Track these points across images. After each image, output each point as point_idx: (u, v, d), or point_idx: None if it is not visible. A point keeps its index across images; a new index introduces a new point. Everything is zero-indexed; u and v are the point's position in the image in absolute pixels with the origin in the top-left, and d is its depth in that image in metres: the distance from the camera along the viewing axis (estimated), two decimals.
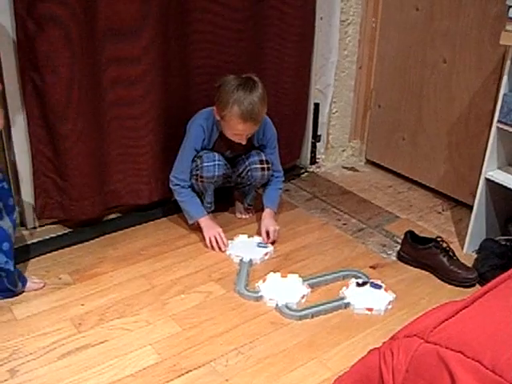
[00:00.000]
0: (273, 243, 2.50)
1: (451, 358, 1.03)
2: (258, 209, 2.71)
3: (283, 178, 2.69)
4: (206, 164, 2.45)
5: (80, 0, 2.12)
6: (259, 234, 2.54)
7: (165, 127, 2.54)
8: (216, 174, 2.46)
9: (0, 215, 1.99)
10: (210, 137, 2.49)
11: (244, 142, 2.42)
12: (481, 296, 1.17)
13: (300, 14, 2.74)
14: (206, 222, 2.49)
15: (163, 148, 2.57)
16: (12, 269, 2.04)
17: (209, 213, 2.56)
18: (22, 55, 2.15)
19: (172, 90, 2.51)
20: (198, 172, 2.46)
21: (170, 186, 2.52)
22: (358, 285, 2.21)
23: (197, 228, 2.54)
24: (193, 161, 2.49)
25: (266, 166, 2.55)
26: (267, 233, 2.51)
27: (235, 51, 2.62)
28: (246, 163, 2.55)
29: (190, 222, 2.52)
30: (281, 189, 2.69)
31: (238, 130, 2.36)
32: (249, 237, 2.54)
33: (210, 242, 2.45)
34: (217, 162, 2.46)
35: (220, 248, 2.44)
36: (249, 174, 2.55)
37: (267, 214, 2.58)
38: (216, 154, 2.48)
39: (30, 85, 2.20)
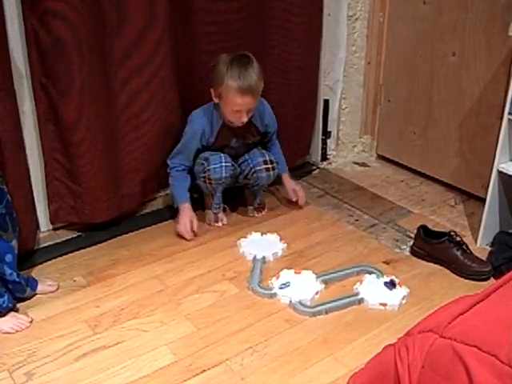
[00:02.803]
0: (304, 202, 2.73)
1: (467, 353, 1.02)
2: (269, 207, 2.72)
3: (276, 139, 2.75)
4: (213, 166, 2.45)
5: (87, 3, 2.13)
6: (288, 193, 2.74)
7: (175, 129, 2.55)
8: (223, 175, 2.46)
9: (5, 226, 1.99)
10: (211, 128, 2.50)
11: (245, 120, 2.41)
12: (495, 290, 1.17)
13: (305, 10, 2.73)
14: (183, 208, 2.51)
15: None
16: (17, 279, 2.05)
17: (215, 213, 2.61)
18: (33, 61, 2.16)
19: (181, 93, 2.52)
20: (206, 174, 2.47)
21: (167, 169, 2.54)
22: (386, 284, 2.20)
23: (209, 228, 2.58)
24: (200, 164, 2.50)
25: (270, 166, 2.56)
26: (294, 191, 2.71)
27: (239, 48, 2.61)
28: (251, 165, 2.56)
29: (174, 205, 2.56)
30: (279, 149, 2.76)
31: (236, 105, 2.36)
32: (262, 234, 2.53)
33: (179, 227, 2.49)
34: (224, 164, 2.46)
35: (185, 236, 2.49)
36: (254, 175, 2.56)
37: (285, 178, 2.74)
38: (222, 156, 2.48)
39: (40, 90, 2.21)
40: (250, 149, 2.62)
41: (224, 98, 2.37)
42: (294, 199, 2.71)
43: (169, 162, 2.53)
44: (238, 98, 2.33)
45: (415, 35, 2.86)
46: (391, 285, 2.17)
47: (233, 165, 2.52)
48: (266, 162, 2.55)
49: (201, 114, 2.50)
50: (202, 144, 2.51)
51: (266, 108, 2.59)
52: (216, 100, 2.42)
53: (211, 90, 2.40)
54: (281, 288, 2.18)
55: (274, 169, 2.57)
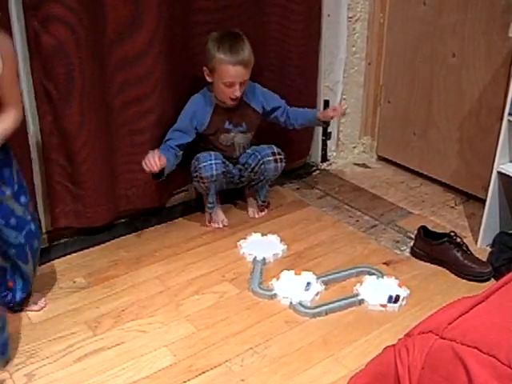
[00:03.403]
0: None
1: (467, 354, 1.02)
2: (269, 208, 2.72)
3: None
4: (203, 164, 2.46)
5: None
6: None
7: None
8: (214, 172, 2.47)
9: (24, 259, 1.97)
10: (204, 109, 2.51)
11: (238, 93, 2.43)
12: (495, 290, 1.17)
13: (303, 10, 2.73)
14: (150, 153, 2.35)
15: None
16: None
17: (210, 213, 2.62)
18: (33, 62, 2.16)
19: (176, 93, 2.51)
20: (197, 173, 2.48)
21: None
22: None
23: (208, 229, 2.58)
24: (192, 164, 2.51)
25: (278, 157, 2.57)
26: (333, 110, 2.62)
27: None
28: (259, 157, 2.57)
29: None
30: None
31: (229, 77, 2.38)
32: (262, 235, 2.54)
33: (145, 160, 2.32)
34: (214, 161, 2.47)
35: (152, 166, 2.30)
36: (262, 167, 2.56)
37: (319, 113, 2.66)
38: (212, 154, 2.49)
39: (41, 92, 2.21)
40: (250, 140, 2.63)
41: (217, 71, 2.40)
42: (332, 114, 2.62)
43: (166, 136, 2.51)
44: (230, 67, 2.37)
45: (415, 36, 2.86)
46: (394, 301, 2.14)
47: (224, 162, 2.53)
48: (274, 154, 2.57)
49: (195, 96, 2.53)
50: (195, 127, 2.51)
51: (255, 86, 2.60)
52: (209, 79, 2.44)
53: (204, 68, 2.43)
54: (306, 290, 2.17)
55: (281, 160, 2.58)
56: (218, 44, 2.37)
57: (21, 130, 2.16)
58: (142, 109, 2.43)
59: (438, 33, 2.75)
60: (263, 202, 2.72)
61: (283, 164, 2.60)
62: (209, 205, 2.59)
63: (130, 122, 2.44)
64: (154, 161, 2.28)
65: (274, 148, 2.59)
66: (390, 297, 2.14)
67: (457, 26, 2.66)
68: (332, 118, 2.63)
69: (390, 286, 2.20)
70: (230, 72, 2.38)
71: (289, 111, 2.67)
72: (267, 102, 2.63)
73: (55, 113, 2.24)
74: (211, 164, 2.47)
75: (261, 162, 2.57)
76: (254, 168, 2.59)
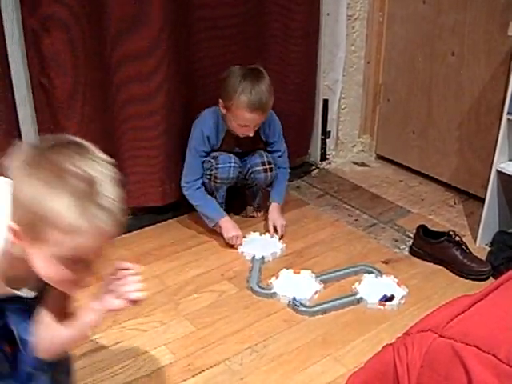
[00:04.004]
0: (281, 238, 2.51)
1: (466, 353, 1.02)
2: (266, 208, 2.72)
3: (289, 169, 2.69)
4: (221, 165, 2.45)
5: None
6: (267, 229, 2.56)
7: (176, 128, 2.54)
8: (231, 175, 2.46)
9: None
10: (216, 134, 2.48)
11: (251, 134, 2.40)
12: (495, 289, 1.16)
13: (303, 9, 2.73)
14: (225, 223, 2.46)
15: (176, 149, 2.57)
16: None
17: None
18: (30, 60, 2.15)
19: (180, 92, 2.51)
20: (213, 172, 2.46)
21: (184, 192, 2.51)
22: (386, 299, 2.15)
23: (208, 228, 2.54)
24: (208, 161, 2.49)
25: (268, 167, 2.54)
26: (275, 228, 2.53)
27: (237, 48, 2.62)
28: (248, 166, 2.55)
29: (211, 224, 2.49)
30: (286, 180, 2.68)
31: (245, 121, 2.34)
32: (261, 234, 2.54)
33: (231, 242, 2.44)
34: (232, 164, 2.46)
35: (235, 246, 2.45)
36: (252, 176, 2.55)
37: (273, 208, 2.58)
38: (232, 157, 2.48)
39: (39, 90, 2.20)
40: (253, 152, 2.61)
41: (233, 111, 2.34)
42: (270, 233, 2.53)
43: (183, 184, 2.50)
44: (247, 114, 2.31)
45: (414, 35, 2.86)
46: (388, 299, 2.13)
47: (240, 166, 2.52)
48: (263, 164, 2.54)
49: (206, 118, 2.48)
50: (207, 150, 2.51)
51: (272, 120, 2.55)
52: (223, 111, 2.39)
53: (220, 100, 2.38)
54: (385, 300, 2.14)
55: (271, 170, 2.55)
56: (239, 84, 2.29)
57: (16, 128, 2.17)
58: (146, 106, 2.43)
59: (438, 31, 2.75)
60: (258, 204, 2.72)
61: (273, 173, 2.57)
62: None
63: (131, 118, 2.43)
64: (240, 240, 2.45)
65: (264, 157, 2.55)
66: (384, 296, 2.14)
67: (456, 24, 2.66)
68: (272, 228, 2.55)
69: (388, 284, 2.20)
70: (247, 117, 2.32)
71: (278, 172, 2.61)
72: (270, 135, 2.59)
73: (52, 112, 2.24)
74: (230, 167, 2.45)
75: (250, 171, 2.55)
76: (245, 175, 2.58)
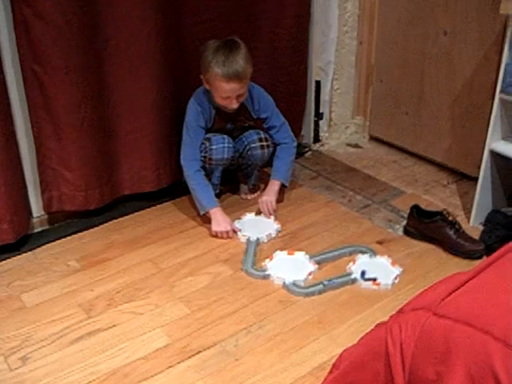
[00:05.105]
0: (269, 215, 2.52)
1: (460, 332, 1.03)
2: (262, 188, 2.71)
3: (294, 144, 2.65)
4: (215, 147, 2.45)
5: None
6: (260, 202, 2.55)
7: (167, 112, 2.54)
8: (225, 156, 2.46)
9: None
10: (208, 113, 2.49)
11: (235, 106, 2.40)
12: (487, 266, 1.17)
13: None
14: (215, 214, 2.44)
15: (168, 134, 2.57)
16: None
17: (216, 194, 2.56)
18: (21, 47, 2.14)
19: (172, 76, 2.50)
20: (207, 154, 2.46)
21: (184, 172, 2.50)
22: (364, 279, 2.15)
23: None
24: (202, 143, 2.48)
25: (265, 143, 2.54)
26: (263, 202, 2.53)
27: (226, 29, 2.58)
28: (245, 143, 2.55)
29: (201, 212, 2.47)
30: (291, 158, 2.64)
31: (224, 92, 2.34)
32: (256, 214, 2.55)
33: (216, 235, 2.42)
34: (226, 145, 2.46)
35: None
36: (249, 153, 2.55)
37: (267, 188, 2.57)
38: (225, 137, 2.48)
39: (31, 77, 2.19)
40: (246, 130, 2.60)
41: (212, 84, 2.36)
42: (261, 209, 2.53)
43: (183, 162, 2.48)
44: (224, 84, 2.31)
45: (406, 15, 2.85)
46: (370, 278, 2.15)
47: (234, 146, 2.52)
48: (260, 140, 2.54)
49: (198, 94, 2.49)
50: (203, 127, 2.50)
51: (255, 93, 2.55)
52: (207, 86, 2.40)
53: (201, 76, 2.39)
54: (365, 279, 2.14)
55: (268, 146, 2.55)
56: (212, 57, 2.30)
57: (7, 114, 2.16)
58: (137, 87, 2.41)
59: (430, 11, 2.73)
60: (253, 185, 2.72)
61: (270, 150, 2.58)
62: (213, 186, 2.55)
63: (125, 103, 2.42)
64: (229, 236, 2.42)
65: (261, 133, 2.56)
66: (363, 272, 2.15)
67: (448, 3, 2.64)
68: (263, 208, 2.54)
69: (383, 264, 2.21)
70: (225, 88, 2.32)
71: (277, 148, 2.61)
72: (261, 111, 2.57)
73: (45, 98, 2.23)
74: (223, 147, 2.46)
75: (247, 147, 2.55)
76: (241, 153, 2.58)
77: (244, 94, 2.41)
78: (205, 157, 2.47)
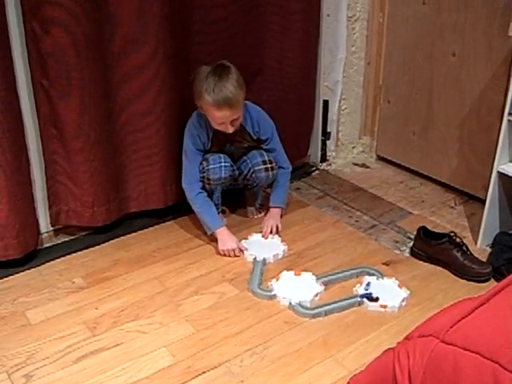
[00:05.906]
0: (270, 234, 2.54)
1: (468, 361, 1.02)
2: (269, 207, 2.71)
3: (289, 169, 2.67)
4: (212, 166, 2.44)
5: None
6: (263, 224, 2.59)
7: (176, 130, 2.54)
8: (223, 175, 2.46)
9: None
10: (205, 135, 2.48)
11: (230, 131, 2.38)
12: (497, 293, 1.16)
13: (303, 9, 2.72)
14: (221, 234, 2.44)
15: (176, 152, 2.56)
16: None
17: (219, 212, 2.56)
18: (32, 62, 2.15)
19: (180, 95, 2.51)
20: (205, 174, 2.46)
21: (187, 197, 2.51)
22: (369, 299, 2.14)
23: None
24: (200, 164, 2.48)
25: (269, 166, 2.53)
26: (267, 225, 2.55)
27: (236, 48, 2.60)
28: (250, 165, 2.54)
29: (208, 232, 2.48)
30: (288, 183, 2.68)
31: (217, 119, 2.33)
32: (262, 236, 2.54)
33: (224, 254, 2.42)
34: (223, 164, 2.46)
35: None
36: (253, 175, 2.54)
37: (271, 213, 2.61)
38: (222, 156, 2.47)
39: (41, 92, 2.20)
40: (249, 151, 2.59)
41: (205, 111, 2.35)
42: (263, 232, 2.55)
43: (185, 186, 2.49)
44: (216, 111, 2.30)
45: (415, 35, 2.85)
46: (372, 299, 2.14)
47: (232, 165, 2.51)
48: (264, 162, 2.54)
49: (194, 118, 2.48)
50: (201, 150, 2.50)
51: (255, 115, 2.53)
52: (201, 111, 2.40)
53: (195, 101, 2.39)
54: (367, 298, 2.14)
55: (273, 169, 2.55)
56: (203, 83, 2.28)
57: (18, 130, 2.17)
58: (145, 106, 2.42)
59: (438, 32, 2.74)
60: (260, 205, 2.72)
61: (275, 172, 2.56)
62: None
63: (133, 121, 2.43)
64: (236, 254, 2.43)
65: (265, 155, 2.55)
66: (367, 294, 2.15)
67: (457, 24, 2.65)
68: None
69: (389, 286, 2.20)
70: (217, 115, 2.31)
71: (279, 173, 2.61)
72: (262, 132, 2.56)
73: (54, 114, 2.24)
74: (220, 167, 2.45)
75: (251, 170, 2.54)
76: (245, 176, 2.57)
77: (239, 118, 2.39)
78: (203, 177, 2.47)
